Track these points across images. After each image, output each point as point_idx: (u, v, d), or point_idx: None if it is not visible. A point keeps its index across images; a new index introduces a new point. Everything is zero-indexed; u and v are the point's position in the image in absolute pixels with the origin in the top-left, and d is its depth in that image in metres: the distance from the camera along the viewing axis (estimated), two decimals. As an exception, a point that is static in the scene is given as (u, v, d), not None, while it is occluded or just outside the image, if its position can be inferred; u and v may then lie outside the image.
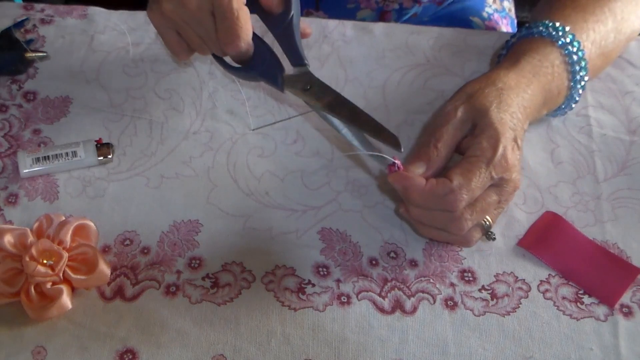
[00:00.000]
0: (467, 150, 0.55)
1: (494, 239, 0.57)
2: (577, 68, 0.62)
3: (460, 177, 0.53)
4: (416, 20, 0.88)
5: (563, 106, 0.65)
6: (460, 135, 0.56)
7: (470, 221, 0.54)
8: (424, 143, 0.56)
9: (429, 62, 0.73)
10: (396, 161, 0.54)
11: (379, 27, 0.75)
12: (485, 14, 0.90)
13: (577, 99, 0.64)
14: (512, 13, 0.96)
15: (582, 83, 0.63)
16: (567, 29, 0.62)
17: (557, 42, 0.61)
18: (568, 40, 0.61)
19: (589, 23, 0.64)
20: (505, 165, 0.54)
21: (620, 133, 0.68)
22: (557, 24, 0.62)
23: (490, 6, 0.91)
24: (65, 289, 0.54)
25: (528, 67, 0.60)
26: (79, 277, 0.55)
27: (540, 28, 0.62)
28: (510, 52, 0.64)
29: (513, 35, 0.66)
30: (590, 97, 0.71)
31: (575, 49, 0.61)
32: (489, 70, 0.62)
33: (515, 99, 0.57)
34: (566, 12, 0.64)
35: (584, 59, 0.62)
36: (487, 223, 0.56)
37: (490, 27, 0.89)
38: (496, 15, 0.91)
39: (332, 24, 0.75)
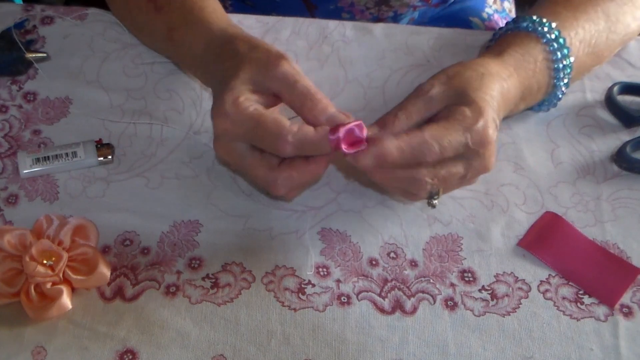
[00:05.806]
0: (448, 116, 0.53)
1: (434, 206, 0.56)
2: (561, 65, 0.61)
3: (434, 130, 0.51)
4: (415, 23, 0.88)
5: (545, 102, 0.65)
6: (428, 113, 0.54)
7: (430, 185, 0.53)
8: (388, 112, 0.55)
9: (429, 63, 0.72)
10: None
11: (378, 28, 0.75)
12: (485, 15, 0.90)
13: (561, 96, 0.64)
14: (513, 14, 0.96)
15: (566, 81, 0.62)
16: (554, 25, 0.61)
17: (542, 38, 0.61)
18: (553, 36, 0.61)
19: (579, 21, 0.63)
20: (483, 138, 0.52)
21: (620, 133, 0.68)
22: (544, 20, 0.62)
23: (491, 7, 0.91)
24: (65, 289, 0.54)
25: (511, 60, 0.60)
26: (78, 277, 0.55)
27: (527, 23, 0.62)
28: (496, 43, 0.64)
29: (500, 28, 0.65)
30: (590, 96, 0.71)
31: (559, 46, 0.61)
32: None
33: (496, 86, 0.56)
34: (557, 9, 0.64)
35: (569, 57, 0.61)
36: (435, 187, 0.54)
37: (490, 28, 0.88)
38: (496, 16, 0.91)
39: (332, 24, 0.75)
